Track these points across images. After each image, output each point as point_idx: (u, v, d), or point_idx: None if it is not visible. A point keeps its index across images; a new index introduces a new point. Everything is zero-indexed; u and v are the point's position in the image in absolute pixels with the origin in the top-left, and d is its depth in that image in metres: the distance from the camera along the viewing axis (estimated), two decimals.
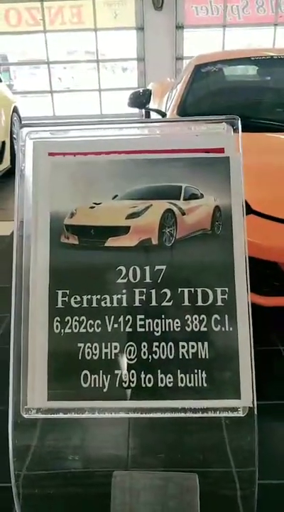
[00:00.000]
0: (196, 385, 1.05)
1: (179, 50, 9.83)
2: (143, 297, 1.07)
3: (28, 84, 11.30)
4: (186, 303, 1.07)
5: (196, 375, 1.05)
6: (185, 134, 1.14)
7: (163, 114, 3.64)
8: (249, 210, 2.05)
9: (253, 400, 1.05)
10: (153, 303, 1.07)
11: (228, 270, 1.07)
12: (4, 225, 3.68)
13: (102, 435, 1.62)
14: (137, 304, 1.07)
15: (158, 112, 3.86)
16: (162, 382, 1.05)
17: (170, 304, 1.07)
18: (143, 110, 4.72)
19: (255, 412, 1.05)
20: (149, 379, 1.05)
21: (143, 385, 1.05)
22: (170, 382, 1.05)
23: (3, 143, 4.99)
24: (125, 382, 1.05)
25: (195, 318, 1.07)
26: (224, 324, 1.06)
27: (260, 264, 2.00)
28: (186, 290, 1.08)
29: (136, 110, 4.98)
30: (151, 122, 1.56)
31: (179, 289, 1.08)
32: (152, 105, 4.42)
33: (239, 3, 9.64)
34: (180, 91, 3.56)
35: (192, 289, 1.08)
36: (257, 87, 3.90)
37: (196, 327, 1.06)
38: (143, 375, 1.05)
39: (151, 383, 1.05)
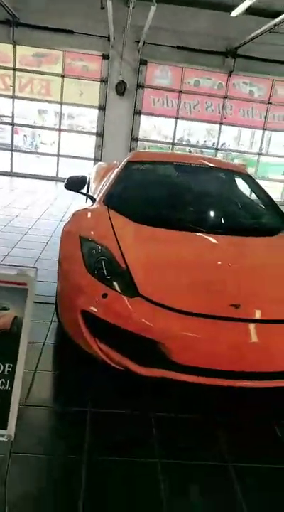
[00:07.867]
0: None
1: (135, 132, 10.90)
2: None
3: None
4: None
5: None
6: None
7: (94, 200, 3.81)
8: (137, 293, 2.49)
9: None
10: None
11: (14, 353, 1.65)
12: None
13: None
14: None
15: (90, 197, 4.09)
16: None
17: None
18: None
19: None
20: None
21: None
22: None
23: None
24: None
25: None
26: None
27: (142, 340, 2.35)
28: None
29: None
30: None
31: None
32: (92, 186, 4.78)
33: (191, 101, 10.94)
34: (110, 182, 3.89)
35: None
36: (172, 188, 4.25)
37: None
38: None
39: None
